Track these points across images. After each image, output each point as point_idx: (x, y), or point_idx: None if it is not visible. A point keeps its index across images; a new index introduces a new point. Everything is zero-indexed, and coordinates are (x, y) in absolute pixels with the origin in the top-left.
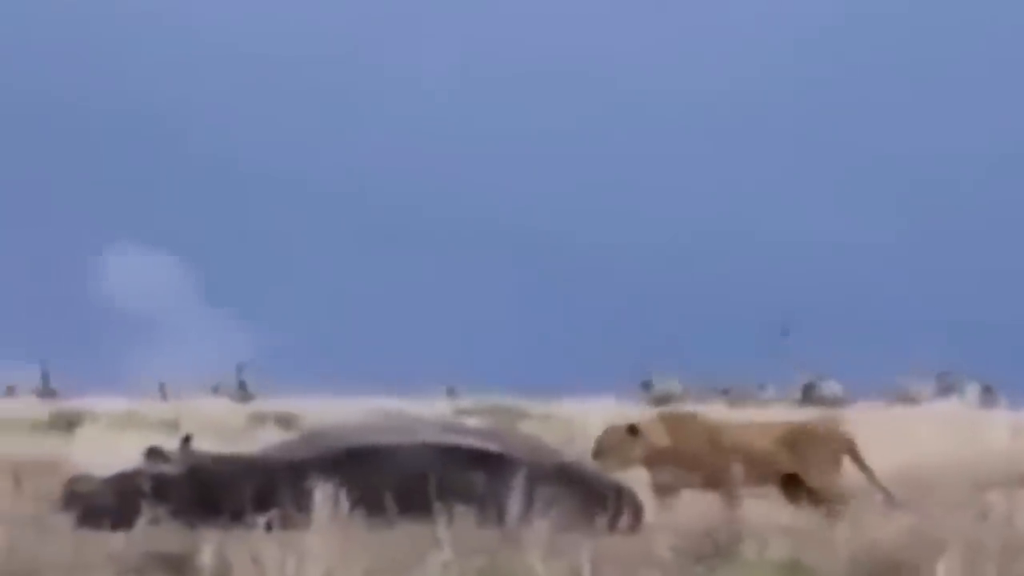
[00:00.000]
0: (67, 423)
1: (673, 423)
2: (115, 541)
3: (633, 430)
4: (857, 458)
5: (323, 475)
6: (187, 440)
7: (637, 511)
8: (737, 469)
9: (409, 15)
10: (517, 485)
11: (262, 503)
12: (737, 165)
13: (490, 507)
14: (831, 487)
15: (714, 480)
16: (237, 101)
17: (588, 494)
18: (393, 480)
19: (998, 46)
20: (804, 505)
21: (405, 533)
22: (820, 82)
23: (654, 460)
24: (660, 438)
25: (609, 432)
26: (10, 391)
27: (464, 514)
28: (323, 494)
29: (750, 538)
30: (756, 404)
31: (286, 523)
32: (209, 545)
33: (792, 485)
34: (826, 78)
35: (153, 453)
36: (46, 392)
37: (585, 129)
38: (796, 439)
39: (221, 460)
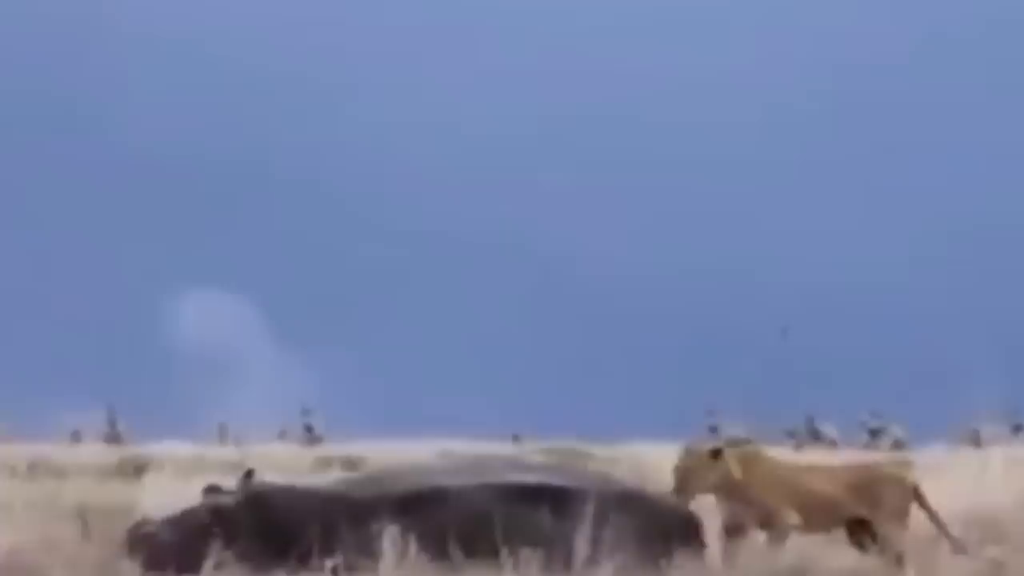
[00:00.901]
0: (134, 468)
1: (746, 458)
2: None
3: (716, 453)
4: (924, 504)
5: (383, 511)
6: (249, 475)
7: (699, 535)
8: (790, 514)
9: (438, 52)
10: (582, 517)
11: (320, 531)
12: (789, 203)
13: (556, 542)
14: (899, 532)
15: (774, 519)
16: (306, 143)
17: (652, 521)
18: (457, 521)
19: None
20: (870, 550)
21: None
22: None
23: (724, 490)
24: (735, 469)
25: (691, 453)
26: (75, 436)
27: (530, 557)
28: (390, 537)
29: None
30: (821, 447)
31: (352, 567)
32: None
33: (857, 529)
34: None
35: (212, 490)
36: (112, 437)
37: (639, 173)
38: (866, 484)
39: (278, 489)
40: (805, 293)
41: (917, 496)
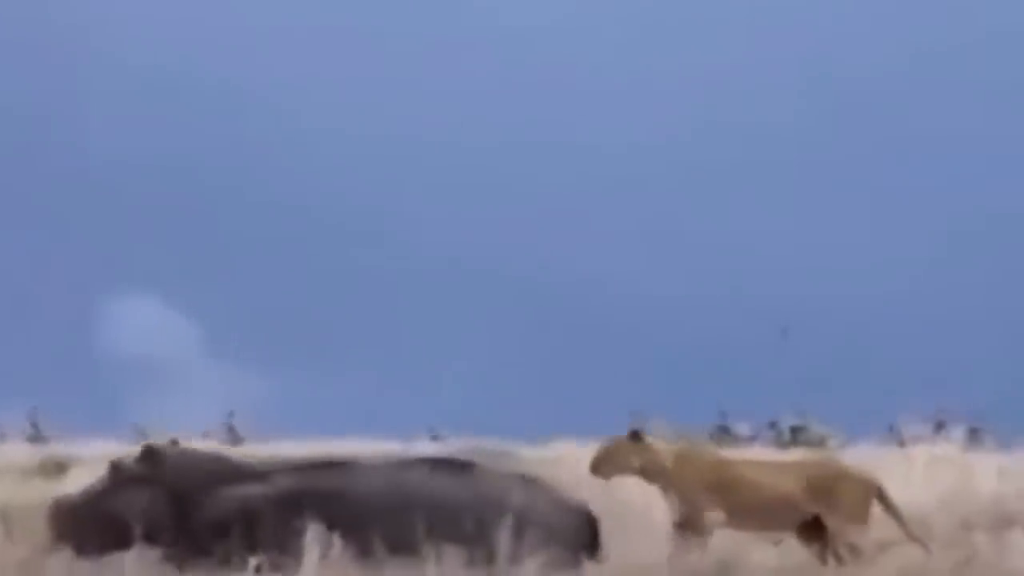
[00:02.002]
0: (56, 467)
1: (682, 454)
2: None
3: (635, 436)
4: (886, 502)
5: (280, 474)
6: (175, 443)
7: (596, 531)
8: (716, 515)
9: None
10: (489, 490)
11: (212, 488)
12: (738, 207)
13: (462, 508)
14: (858, 533)
15: (695, 521)
16: (244, 154)
17: (554, 505)
18: (358, 485)
19: None
20: (817, 549)
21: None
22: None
23: (649, 476)
24: (667, 459)
25: (612, 438)
26: (0, 437)
27: (453, 554)
28: (313, 535)
29: None
30: (740, 445)
31: (276, 566)
32: None
33: (810, 532)
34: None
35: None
36: (36, 438)
37: (627, 178)
38: (826, 481)
39: (176, 448)
40: (738, 298)
41: (881, 496)
